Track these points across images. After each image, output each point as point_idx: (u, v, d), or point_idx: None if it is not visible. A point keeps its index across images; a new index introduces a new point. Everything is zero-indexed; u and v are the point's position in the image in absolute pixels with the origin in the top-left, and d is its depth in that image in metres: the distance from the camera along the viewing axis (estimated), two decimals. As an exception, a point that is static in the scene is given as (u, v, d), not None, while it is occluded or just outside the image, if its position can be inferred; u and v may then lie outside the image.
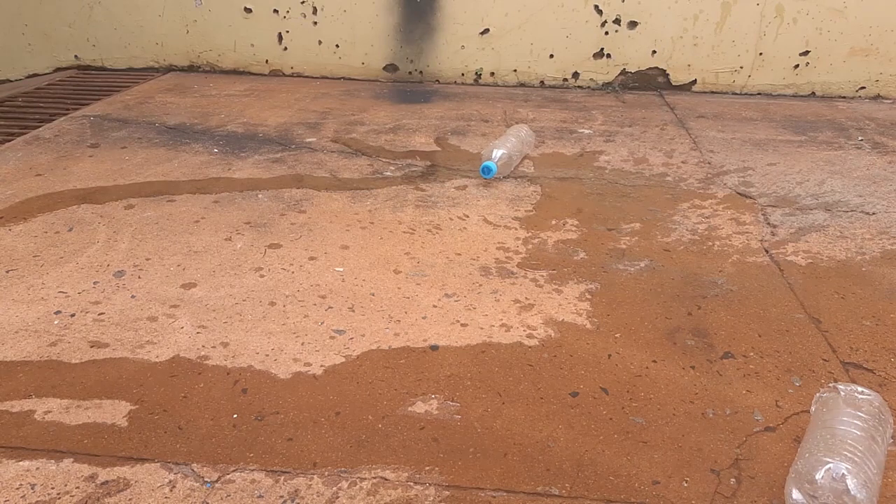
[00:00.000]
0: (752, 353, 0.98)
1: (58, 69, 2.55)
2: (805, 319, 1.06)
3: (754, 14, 2.27)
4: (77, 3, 2.45)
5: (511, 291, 1.13)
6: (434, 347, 0.99)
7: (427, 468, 0.77)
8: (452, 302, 1.10)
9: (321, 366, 0.95)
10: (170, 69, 2.54)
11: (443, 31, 2.39)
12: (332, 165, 1.66)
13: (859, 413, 0.74)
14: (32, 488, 0.74)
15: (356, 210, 1.41)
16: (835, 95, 2.35)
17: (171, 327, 1.03)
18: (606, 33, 2.34)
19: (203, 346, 0.98)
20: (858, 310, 1.09)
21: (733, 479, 0.76)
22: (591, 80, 2.42)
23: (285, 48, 2.42)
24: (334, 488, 0.74)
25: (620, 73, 2.39)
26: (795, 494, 0.69)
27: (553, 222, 1.36)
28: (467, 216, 1.40)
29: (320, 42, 2.41)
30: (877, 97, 2.34)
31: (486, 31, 2.38)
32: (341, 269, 1.07)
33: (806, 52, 2.30)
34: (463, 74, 2.45)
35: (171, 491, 0.74)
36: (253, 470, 0.77)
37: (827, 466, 0.68)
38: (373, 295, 1.12)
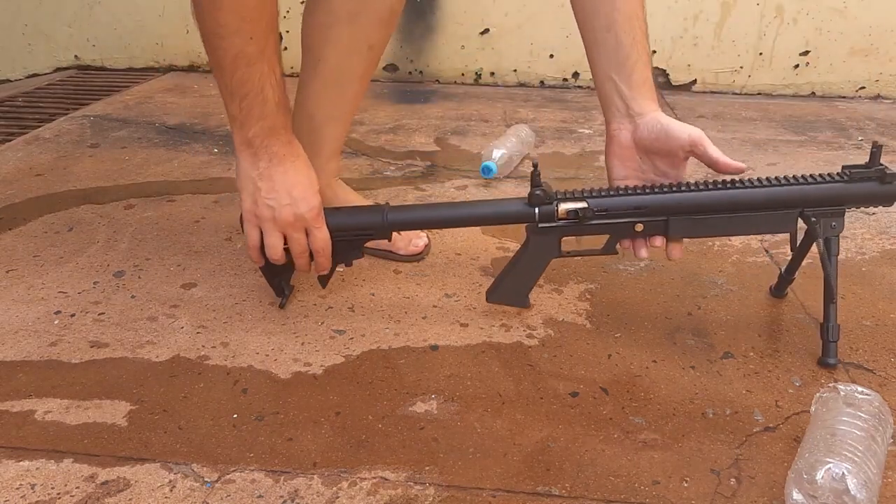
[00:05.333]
0: (752, 353, 0.98)
1: (58, 69, 2.55)
2: (805, 319, 1.06)
3: (754, 14, 2.27)
4: (77, 3, 2.46)
5: (511, 291, 1.12)
6: (434, 347, 0.99)
7: (427, 468, 0.77)
8: (453, 302, 1.10)
9: (321, 366, 0.95)
10: (170, 69, 2.54)
11: (443, 30, 2.39)
12: (332, 165, 1.65)
13: (859, 413, 0.74)
14: (32, 488, 0.74)
15: (356, 210, 1.41)
16: (835, 95, 2.35)
17: (171, 327, 1.03)
18: (606, 33, 2.34)
19: (203, 346, 0.98)
20: (858, 310, 1.09)
21: (733, 480, 0.76)
22: (591, 80, 2.41)
23: (285, 48, 2.41)
24: (334, 488, 0.74)
25: (620, 73, 2.39)
26: (796, 495, 0.69)
27: (553, 222, 1.36)
28: (467, 216, 1.39)
29: (320, 42, 2.41)
30: (877, 97, 2.34)
31: (486, 31, 2.38)
32: (341, 269, 1.07)
33: (806, 52, 2.31)
34: (463, 74, 2.45)
35: (171, 491, 0.74)
36: (253, 470, 0.77)
37: (827, 466, 0.68)
38: (373, 295, 1.12)
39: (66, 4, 2.46)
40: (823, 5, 2.24)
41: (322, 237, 0.96)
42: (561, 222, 0.96)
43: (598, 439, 0.82)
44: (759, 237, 1.32)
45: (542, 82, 2.44)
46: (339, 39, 1.06)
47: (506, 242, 1.30)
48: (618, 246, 0.98)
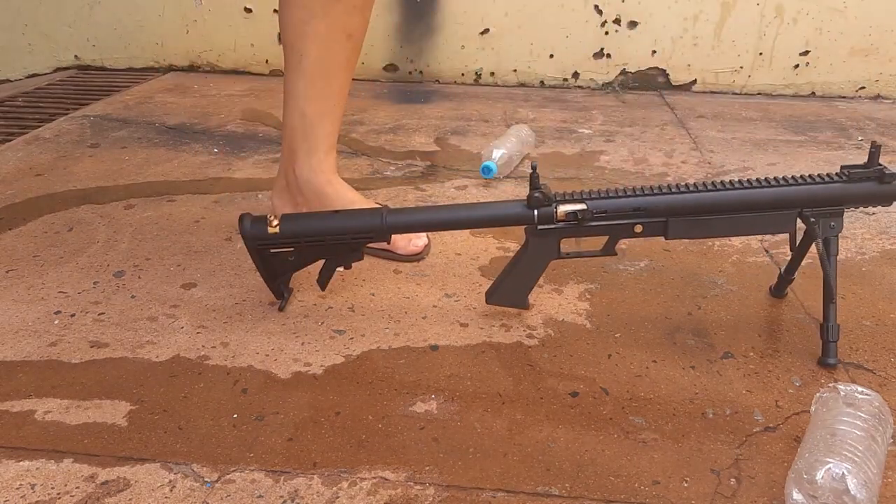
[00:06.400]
0: (752, 353, 0.98)
1: (58, 69, 2.55)
2: (805, 319, 1.06)
3: (754, 14, 2.27)
4: (77, 3, 2.46)
5: (511, 291, 1.12)
6: (434, 347, 0.99)
7: (427, 468, 0.77)
8: (452, 302, 1.10)
9: (321, 366, 0.95)
10: (170, 69, 2.54)
11: (443, 31, 2.39)
12: (332, 165, 1.65)
13: (859, 413, 0.74)
14: (32, 488, 0.74)
15: (356, 210, 1.41)
16: (835, 95, 2.35)
17: (171, 327, 1.03)
18: (606, 33, 2.34)
19: (203, 346, 0.98)
20: (858, 310, 1.09)
21: (733, 480, 0.76)
22: (591, 80, 2.42)
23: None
24: (334, 488, 0.74)
25: (620, 73, 2.40)
26: (796, 495, 0.69)
27: (553, 222, 1.36)
28: (467, 216, 1.39)
29: (320, 42, 2.41)
30: (877, 97, 2.34)
31: (486, 31, 2.38)
32: (341, 269, 1.07)
33: (806, 52, 2.31)
34: (463, 74, 2.45)
35: (171, 491, 0.74)
36: (253, 470, 0.77)
37: (827, 466, 0.68)
38: (373, 295, 1.12)
39: (66, 4, 2.46)
40: (823, 5, 2.23)
41: None
42: (560, 224, 0.96)
43: (598, 439, 0.82)
44: (759, 237, 1.32)
45: (542, 82, 2.44)
46: (317, 33, 1.07)
47: (506, 243, 1.30)
48: (617, 247, 0.98)
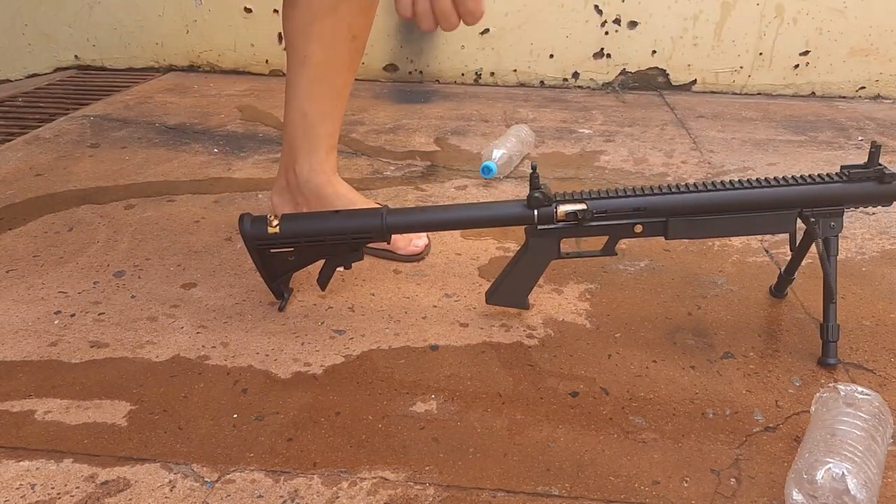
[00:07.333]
0: (752, 353, 0.98)
1: (58, 69, 2.55)
2: (805, 319, 1.06)
3: (754, 14, 2.27)
4: (77, 3, 2.45)
5: (511, 291, 1.12)
6: (434, 347, 0.99)
7: (427, 468, 0.77)
8: (452, 302, 1.10)
9: (321, 366, 0.95)
10: (170, 69, 2.54)
11: (443, 31, 2.39)
12: (332, 165, 1.65)
13: (859, 413, 0.74)
14: (32, 488, 0.74)
15: (356, 210, 1.41)
16: (835, 95, 2.35)
17: (171, 327, 1.03)
18: (606, 33, 2.34)
19: (203, 346, 0.98)
20: (858, 310, 1.09)
21: (733, 479, 0.76)
22: (591, 80, 2.42)
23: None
24: (334, 488, 0.74)
25: (620, 73, 2.39)
26: (796, 495, 0.69)
27: (553, 222, 1.36)
28: (467, 216, 1.39)
29: (320, 42, 2.41)
30: (877, 97, 2.34)
31: (486, 31, 2.38)
32: (341, 269, 1.07)
33: (806, 52, 2.30)
34: (463, 74, 2.45)
35: (171, 491, 0.74)
36: (253, 470, 0.77)
37: (827, 466, 0.68)
38: (373, 295, 1.12)
39: (66, 4, 2.46)
40: (823, 5, 2.23)
41: None
42: (560, 224, 0.96)
43: (598, 439, 0.82)
44: (759, 237, 1.32)
45: (542, 82, 2.44)
46: (322, 33, 1.07)
47: (506, 243, 1.30)
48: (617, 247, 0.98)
